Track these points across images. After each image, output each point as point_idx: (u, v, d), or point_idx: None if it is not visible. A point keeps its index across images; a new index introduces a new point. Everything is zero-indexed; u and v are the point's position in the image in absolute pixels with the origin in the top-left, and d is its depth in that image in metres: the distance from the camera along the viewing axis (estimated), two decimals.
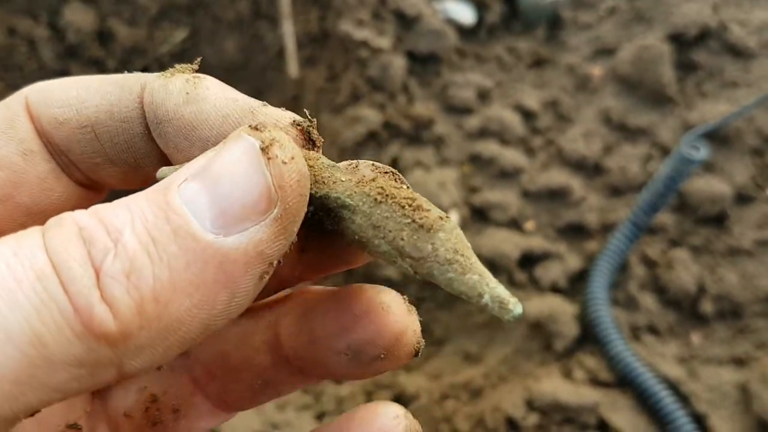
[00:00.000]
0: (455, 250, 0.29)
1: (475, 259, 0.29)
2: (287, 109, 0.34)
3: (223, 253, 0.25)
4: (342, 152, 1.48)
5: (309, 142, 0.33)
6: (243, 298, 0.26)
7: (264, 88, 1.74)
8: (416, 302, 1.39)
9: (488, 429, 1.17)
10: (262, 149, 0.26)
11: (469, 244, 0.30)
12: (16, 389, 0.22)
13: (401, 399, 1.24)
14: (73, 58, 1.73)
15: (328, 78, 1.61)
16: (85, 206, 0.26)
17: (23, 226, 0.26)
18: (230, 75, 1.76)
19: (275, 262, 0.27)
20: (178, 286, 0.24)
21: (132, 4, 1.72)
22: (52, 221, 0.24)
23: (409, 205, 0.30)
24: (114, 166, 0.34)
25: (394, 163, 1.47)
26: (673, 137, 1.49)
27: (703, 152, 1.35)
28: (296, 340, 0.36)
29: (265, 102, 0.33)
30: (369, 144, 1.49)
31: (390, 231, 0.30)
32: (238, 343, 0.39)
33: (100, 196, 0.38)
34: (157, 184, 0.26)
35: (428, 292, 1.40)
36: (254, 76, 1.74)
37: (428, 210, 0.30)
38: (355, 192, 0.31)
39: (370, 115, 1.49)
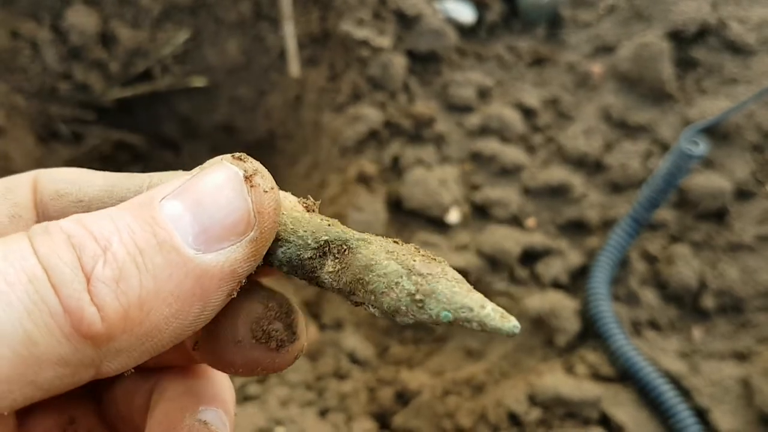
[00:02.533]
0: (460, 279, 0.32)
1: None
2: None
3: (202, 268, 0.27)
4: (344, 151, 1.49)
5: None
6: (210, 311, 0.28)
7: (266, 88, 1.75)
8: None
9: (490, 424, 1.18)
10: (245, 177, 0.29)
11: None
12: (5, 387, 0.24)
13: (404, 395, 1.24)
14: (76, 60, 1.74)
15: (330, 77, 1.62)
16: None
17: None
18: (232, 76, 1.77)
19: (241, 282, 0.29)
20: (161, 296, 0.26)
21: (134, 6, 1.73)
22: (37, 228, 0.26)
23: (418, 251, 0.33)
24: None
25: (395, 161, 1.48)
26: (673, 134, 1.50)
27: (702, 147, 1.35)
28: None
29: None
30: (370, 142, 1.50)
31: (403, 255, 0.33)
32: (123, 398, 0.39)
33: None
34: (136, 199, 0.28)
35: None
36: (256, 77, 1.75)
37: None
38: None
39: (371, 114, 1.50)
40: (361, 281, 0.33)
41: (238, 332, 0.32)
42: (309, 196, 0.37)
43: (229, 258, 0.28)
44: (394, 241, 0.34)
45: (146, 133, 1.85)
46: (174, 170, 0.34)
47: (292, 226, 0.34)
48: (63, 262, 0.25)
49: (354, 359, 1.31)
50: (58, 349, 0.24)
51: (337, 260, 0.34)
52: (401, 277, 0.32)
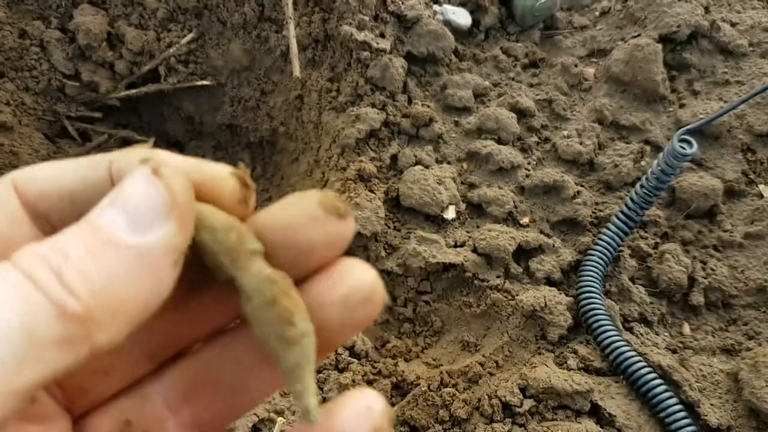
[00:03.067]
0: (298, 363, 0.39)
1: (310, 374, 0.40)
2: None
3: (145, 248, 0.35)
4: (344, 149, 1.53)
5: (244, 186, 0.43)
6: (167, 279, 0.36)
7: (269, 88, 1.79)
8: (416, 294, 1.43)
9: (485, 415, 1.21)
10: (153, 171, 0.37)
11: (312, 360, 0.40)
12: (19, 366, 0.31)
13: (402, 386, 1.28)
14: (83, 60, 1.78)
15: (331, 78, 1.66)
16: None
17: None
18: (236, 76, 1.81)
19: (184, 252, 0.37)
20: (116, 277, 0.34)
21: (140, 7, 1.77)
22: (13, 256, 0.35)
23: (286, 319, 0.40)
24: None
25: (394, 159, 1.52)
26: (665, 134, 1.53)
27: (694, 148, 1.39)
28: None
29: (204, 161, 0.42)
30: (370, 142, 1.54)
31: (266, 329, 0.40)
32: (210, 362, 0.46)
33: None
34: (77, 223, 0.36)
35: (427, 285, 1.44)
36: (259, 77, 1.79)
37: (295, 325, 0.40)
38: (258, 285, 0.41)
39: (371, 114, 1.54)
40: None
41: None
42: (240, 163, 0.42)
43: (163, 235, 0.35)
44: (272, 299, 0.40)
45: (151, 131, 1.89)
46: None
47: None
48: (38, 269, 0.33)
49: (353, 353, 1.35)
50: (53, 331, 0.32)
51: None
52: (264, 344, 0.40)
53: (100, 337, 0.34)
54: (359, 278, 0.42)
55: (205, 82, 1.76)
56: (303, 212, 0.42)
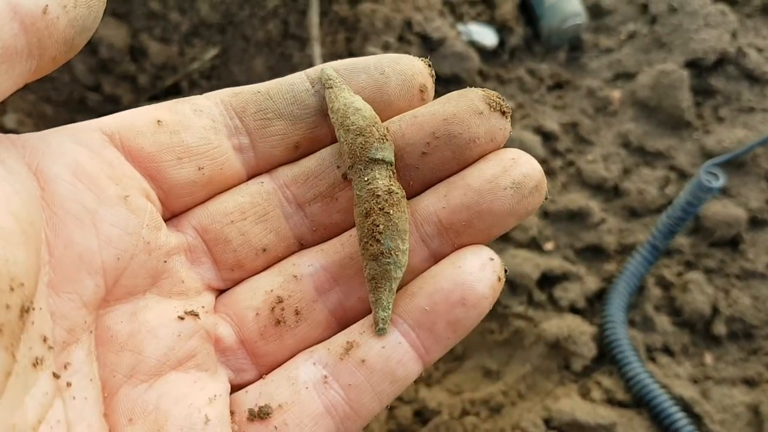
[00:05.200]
0: (374, 277, 0.45)
1: (385, 290, 0.45)
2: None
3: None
4: None
5: (430, 74, 0.48)
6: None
7: None
8: None
9: None
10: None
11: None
12: None
13: (423, 414, 1.29)
14: (105, 73, 1.78)
15: None
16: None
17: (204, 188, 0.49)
18: None
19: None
20: None
21: (164, 21, 1.77)
22: None
23: (373, 234, 0.45)
24: (281, 119, 0.49)
25: None
26: (690, 161, 1.53)
27: (720, 180, 1.38)
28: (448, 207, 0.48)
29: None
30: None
31: (361, 236, 0.46)
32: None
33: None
34: None
35: None
36: None
37: (380, 243, 0.45)
38: (363, 193, 0.46)
39: None
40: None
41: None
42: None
43: None
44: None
45: None
46: None
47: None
48: None
49: None
50: (10, 41, 0.36)
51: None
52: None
53: (47, 53, 0.39)
54: (530, 167, 0.44)
55: None
56: (468, 106, 0.44)
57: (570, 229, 1.47)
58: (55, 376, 0.39)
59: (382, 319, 0.42)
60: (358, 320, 0.48)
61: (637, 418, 1.24)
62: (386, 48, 1.60)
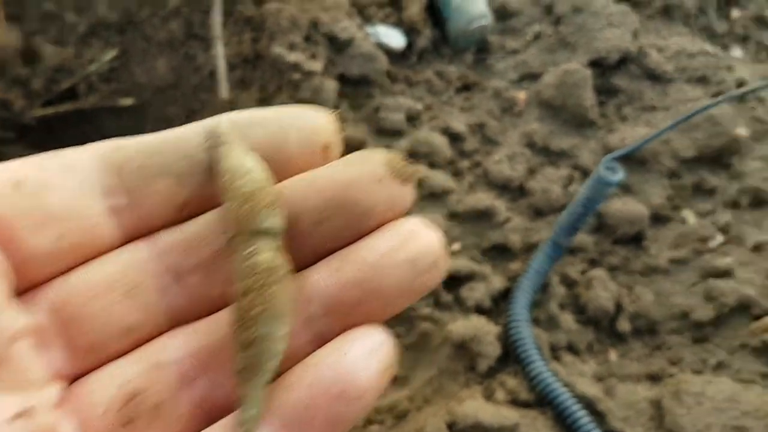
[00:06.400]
0: (245, 367, 0.39)
1: (256, 382, 0.39)
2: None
3: None
4: None
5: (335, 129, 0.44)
6: None
7: (196, 108, 1.72)
8: None
9: None
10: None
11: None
12: None
13: None
14: None
15: (261, 100, 1.62)
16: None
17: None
18: (161, 95, 1.74)
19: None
20: None
21: (59, 22, 1.69)
22: None
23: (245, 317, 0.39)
24: (167, 177, 0.44)
25: None
26: (594, 159, 1.55)
27: (620, 174, 1.40)
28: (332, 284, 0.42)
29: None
30: None
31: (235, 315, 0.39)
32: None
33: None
34: None
35: None
36: (186, 97, 1.72)
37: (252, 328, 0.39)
38: (241, 269, 0.40)
39: None
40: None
41: None
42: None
43: None
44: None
45: None
46: None
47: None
48: None
49: None
50: None
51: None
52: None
53: None
54: (428, 241, 0.40)
55: (127, 101, 1.69)
56: (367, 172, 0.41)
57: (476, 229, 1.46)
58: None
59: (249, 419, 0.37)
60: (228, 414, 0.42)
61: (540, 417, 1.23)
62: (292, 48, 1.56)
